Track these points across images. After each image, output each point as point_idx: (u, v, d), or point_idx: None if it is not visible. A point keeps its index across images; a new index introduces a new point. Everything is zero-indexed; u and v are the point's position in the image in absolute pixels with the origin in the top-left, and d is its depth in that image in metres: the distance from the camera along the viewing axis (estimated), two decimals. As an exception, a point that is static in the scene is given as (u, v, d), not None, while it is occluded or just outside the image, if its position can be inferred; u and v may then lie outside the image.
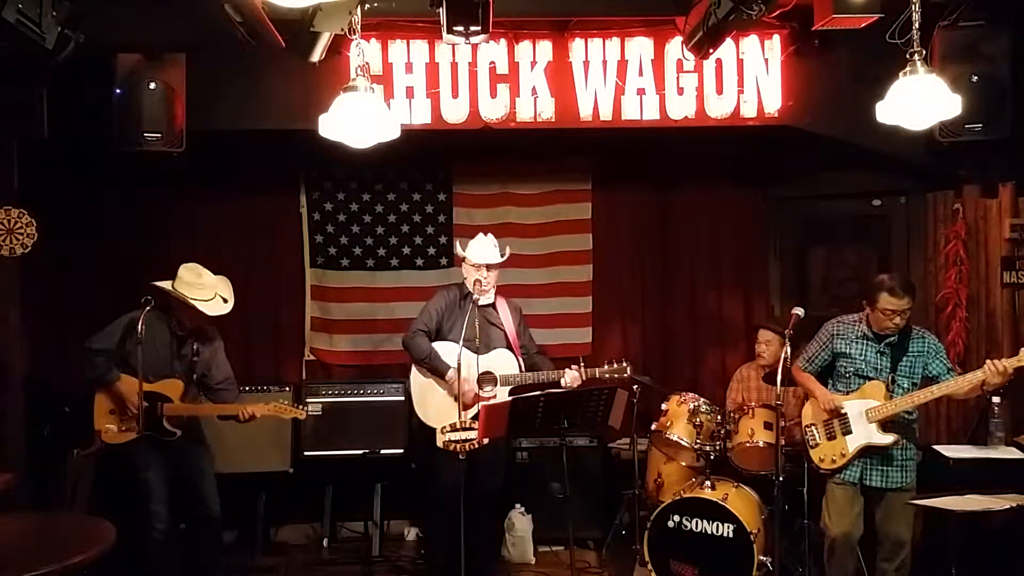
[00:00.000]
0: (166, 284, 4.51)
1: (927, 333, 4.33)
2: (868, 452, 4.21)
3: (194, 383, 4.65)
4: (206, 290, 4.51)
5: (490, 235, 4.93)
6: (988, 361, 3.97)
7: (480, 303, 4.68)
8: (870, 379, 4.25)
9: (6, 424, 4.80)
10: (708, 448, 4.89)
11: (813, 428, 4.36)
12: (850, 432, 4.23)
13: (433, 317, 4.86)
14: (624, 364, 4.78)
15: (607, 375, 4.76)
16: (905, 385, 4.21)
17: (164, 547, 4.51)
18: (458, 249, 5.03)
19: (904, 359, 4.22)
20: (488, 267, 4.80)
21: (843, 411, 4.25)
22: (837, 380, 4.38)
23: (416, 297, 5.83)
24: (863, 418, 4.19)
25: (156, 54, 4.70)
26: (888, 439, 4.15)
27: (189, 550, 4.70)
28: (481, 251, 4.84)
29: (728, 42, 4.89)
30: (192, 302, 4.43)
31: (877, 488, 4.24)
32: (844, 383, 4.33)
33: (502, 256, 4.86)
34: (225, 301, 4.59)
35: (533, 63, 5.18)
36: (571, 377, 4.72)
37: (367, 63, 3.87)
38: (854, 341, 4.32)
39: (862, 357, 4.28)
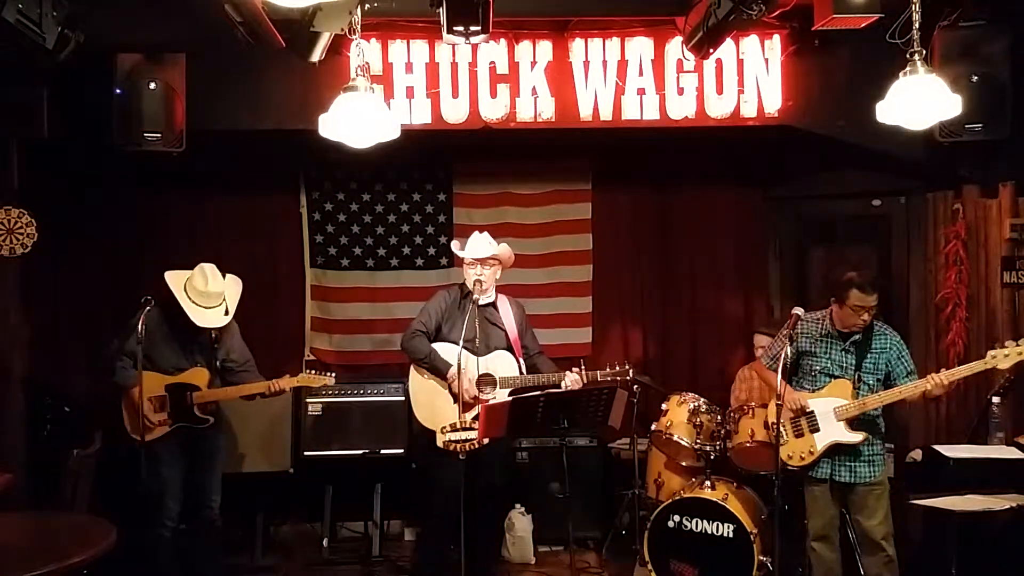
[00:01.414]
0: (178, 278, 4.52)
1: (888, 329, 4.35)
2: (836, 449, 4.25)
3: (217, 369, 4.67)
4: (210, 298, 4.51)
5: (485, 233, 4.91)
6: (933, 373, 4.06)
7: (480, 303, 4.67)
8: (836, 377, 4.28)
9: (6, 424, 4.80)
10: (708, 448, 4.89)
11: (780, 426, 4.36)
12: (818, 430, 4.26)
13: (432, 318, 4.84)
14: (627, 367, 4.75)
15: (608, 378, 4.72)
16: (870, 382, 4.24)
17: (171, 545, 4.53)
18: (455, 250, 5.02)
19: (868, 356, 4.26)
20: (483, 263, 4.76)
21: (809, 409, 4.28)
22: (802, 378, 4.40)
23: (416, 297, 5.82)
24: (831, 416, 4.23)
25: (156, 54, 4.70)
26: (857, 437, 4.20)
27: (188, 548, 4.71)
28: (472, 247, 4.82)
29: (728, 42, 4.89)
30: (186, 309, 4.45)
31: (847, 483, 4.28)
32: (810, 381, 4.36)
33: (497, 251, 4.80)
34: (227, 313, 4.58)
35: (533, 63, 5.18)
36: (571, 380, 4.68)
37: (367, 63, 3.87)
38: (819, 339, 4.35)
39: (827, 355, 4.32)
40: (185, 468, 4.60)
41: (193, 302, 4.48)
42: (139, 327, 4.31)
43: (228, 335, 4.73)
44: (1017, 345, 3.96)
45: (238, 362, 4.75)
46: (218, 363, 4.68)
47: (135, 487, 4.42)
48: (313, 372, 4.79)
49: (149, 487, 4.44)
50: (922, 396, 4.15)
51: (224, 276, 4.62)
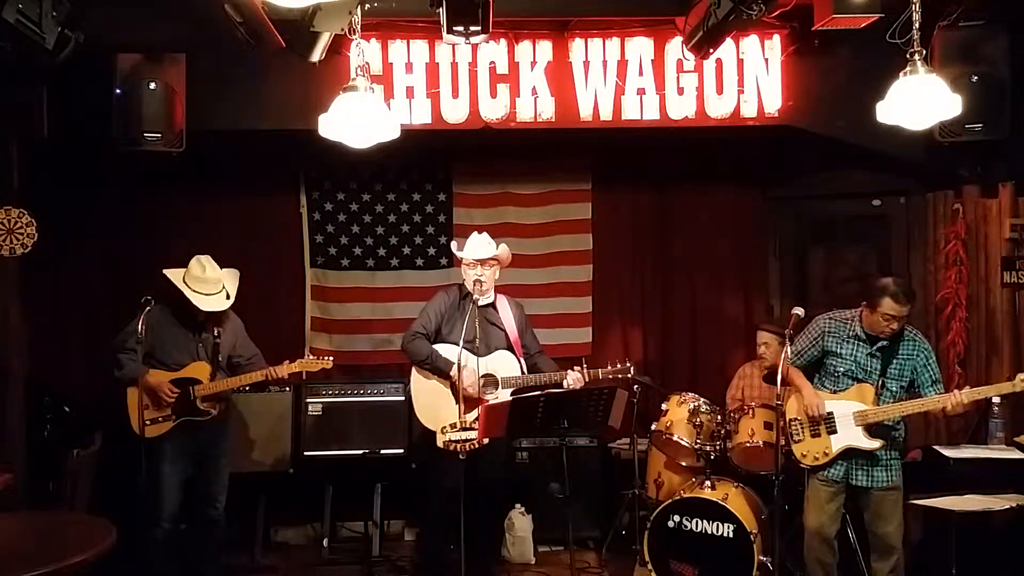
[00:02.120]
0: (176, 273, 4.58)
1: (919, 336, 4.31)
2: (853, 452, 4.22)
3: (220, 364, 4.69)
4: (209, 285, 4.57)
5: (484, 233, 4.91)
6: (955, 391, 4.05)
7: (480, 303, 4.67)
8: (859, 381, 4.25)
9: (6, 424, 4.80)
10: (708, 448, 4.89)
11: (798, 423, 4.34)
12: (835, 432, 4.23)
13: (432, 319, 4.84)
14: (628, 365, 4.75)
15: (610, 376, 4.73)
16: (893, 388, 4.21)
17: (167, 544, 4.53)
18: (454, 250, 5.02)
19: (894, 362, 4.23)
20: (483, 264, 4.76)
21: (828, 411, 4.24)
22: (825, 377, 4.36)
23: (416, 297, 5.83)
24: (850, 420, 4.19)
25: (156, 54, 4.71)
26: (875, 444, 4.17)
27: (189, 549, 4.72)
28: (472, 248, 4.82)
29: (728, 42, 4.89)
30: (188, 296, 4.50)
31: (863, 488, 4.25)
32: (832, 381, 4.32)
33: (497, 251, 4.80)
34: (228, 297, 4.64)
35: (533, 63, 5.18)
36: (573, 379, 4.68)
37: (367, 63, 3.88)
38: (845, 341, 4.30)
39: (852, 358, 4.27)
40: (189, 467, 4.62)
41: (194, 290, 4.52)
42: (139, 327, 4.34)
43: (230, 330, 4.76)
44: None
45: (245, 356, 4.79)
46: (221, 358, 4.69)
47: (135, 487, 4.43)
48: (311, 356, 4.80)
49: (148, 484, 4.45)
50: (942, 411, 4.12)
51: (220, 268, 4.66)
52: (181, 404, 4.55)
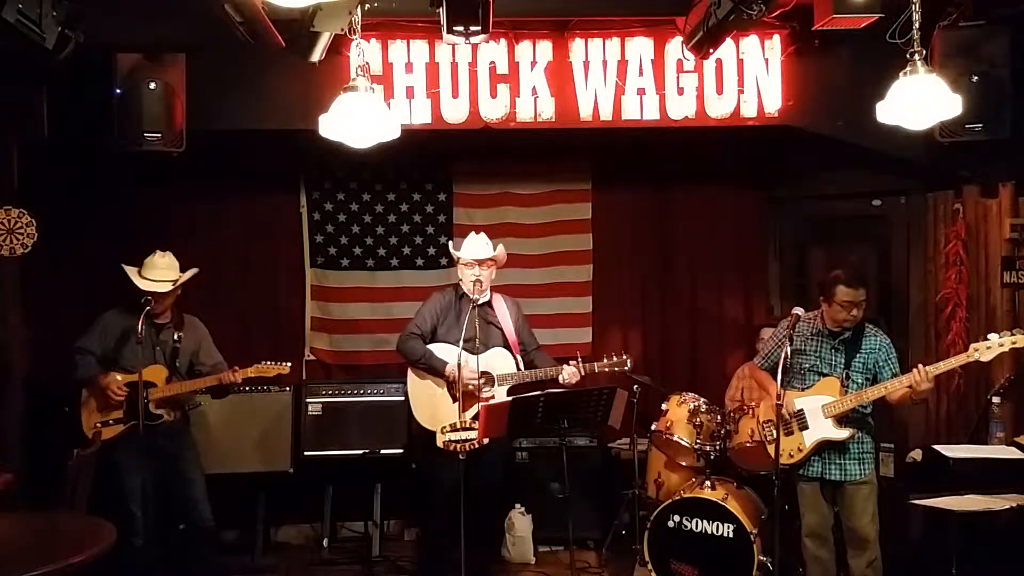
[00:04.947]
0: (133, 268, 4.61)
1: (879, 332, 4.37)
2: (826, 447, 4.27)
3: (178, 369, 4.68)
4: (157, 271, 4.58)
5: (482, 234, 4.91)
6: (917, 367, 4.05)
7: (477, 302, 4.67)
8: (825, 375, 4.31)
9: (6, 424, 4.80)
10: (708, 448, 4.89)
11: (771, 424, 4.38)
12: (807, 427, 4.29)
13: (427, 320, 4.85)
14: (624, 357, 4.78)
15: (607, 369, 4.75)
16: (859, 380, 4.27)
17: (142, 552, 4.50)
18: (452, 251, 5.01)
19: (858, 356, 4.29)
20: (481, 264, 4.77)
21: (798, 408, 4.29)
22: (792, 376, 4.38)
23: (416, 297, 5.80)
24: (820, 413, 4.25)
25: (156, 54, 4.71)
26: (844, 434, 4.22)
27: (182, 554, 4.71)
28: (470, 248, 4.82)
29: (728, 42, 4.89)
30: (130, 276, 4.53)
31: (836, 482, 4.30)
32: (800, 379, 4.37)
33: (494, 252, 4.81)
34: (172, 284, 4.60)
35: (533, 63, 5.18)
36: (569, 373, 4.70)
37: (367, 63, 3.88)
38: (809, 338, 4.37)
39: (816, 353, 4.35)
40: (152, 478, 4.57)
41: (140, 275, 4.55)
42: (140, 327, 4.35)
43: (192, 336, 4.74)
44: (1000, 338, 4.00)
45: (207, 364, 4.76)
46: (179, 363, 4.68)
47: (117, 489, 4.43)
48: (267, 362, 4.73)
49: (113, 496, 4.45)
50: (909, 397, 4.14)
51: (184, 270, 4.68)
52: (133, 406, 4.47)
